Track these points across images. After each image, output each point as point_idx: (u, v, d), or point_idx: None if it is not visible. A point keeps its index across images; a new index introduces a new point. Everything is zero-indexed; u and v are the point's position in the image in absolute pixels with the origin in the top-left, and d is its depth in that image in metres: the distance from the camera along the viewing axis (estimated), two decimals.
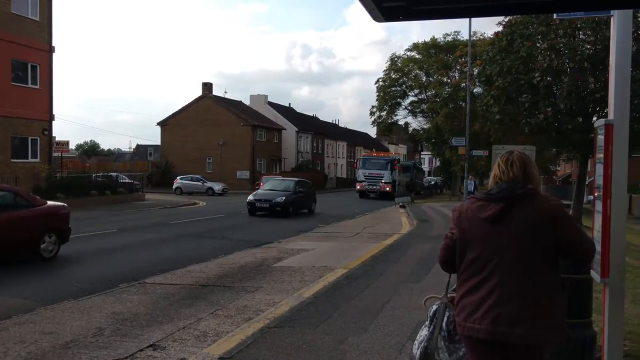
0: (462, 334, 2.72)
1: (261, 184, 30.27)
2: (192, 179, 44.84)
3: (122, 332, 6.09)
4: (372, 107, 53.72)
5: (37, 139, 26.31)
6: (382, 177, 41.64)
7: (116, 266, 10.54)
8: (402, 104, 53.65)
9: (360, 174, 42.96)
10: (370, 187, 41.58)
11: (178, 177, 45.34)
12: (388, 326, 6.22)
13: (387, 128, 56.73)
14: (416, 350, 3.02)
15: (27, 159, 25.81)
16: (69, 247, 12.79)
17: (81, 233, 15.39)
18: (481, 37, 42.37)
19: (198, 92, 57.41)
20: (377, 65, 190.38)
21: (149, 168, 46.79)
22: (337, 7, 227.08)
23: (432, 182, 61.99)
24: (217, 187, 43.44)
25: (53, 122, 27.30)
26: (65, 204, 12.42)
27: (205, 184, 43.87)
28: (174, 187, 43.60)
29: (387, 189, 40.60)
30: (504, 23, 20.69)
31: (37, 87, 26.41)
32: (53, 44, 27.11)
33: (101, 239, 14.66)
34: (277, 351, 5.34)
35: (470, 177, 33.08)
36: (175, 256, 11.80)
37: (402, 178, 42.98)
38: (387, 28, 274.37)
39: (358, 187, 42.91)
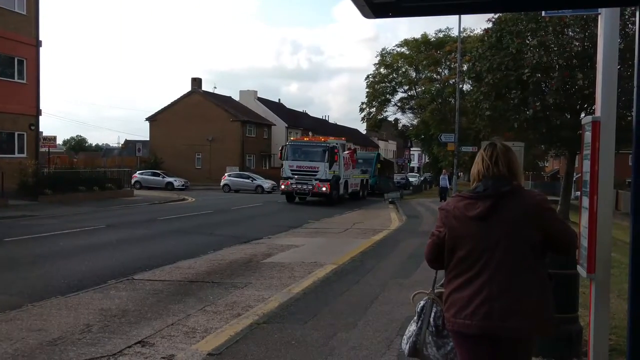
0: (451, 330, 2.73)
1: None
2: (241, 176, 42.83)
3: (110, 328, 6.06)
4: (362, 103, 53.89)
5: (23, 134, 26.06)
6: (317, 171, 28.39)
7: (104, 262, 10.47)
8: (392, 100, 53.95)
9: (287, 167, 29.24)
10: (300, 186, 28.44)
11: (226, 174, 43.31)
12: (377, 322, 6.25)
13: (377, 124, 56.80)
14: (405, 346, 3.04)
15: (14, 154, 25.55)
16: (56, 243, 12.73)
17: (69, 229, 15.33)
18: (471, 33, 42.69)
19: (187, 88, 57.29)
20: (366, 62, 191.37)
21: (138, 164, 46.30)
22: (326, 4, 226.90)
23: (414, 180, 54.87)
24: (267, 185, 41.24)
25: (40, 117, 27.06)
26: None
27: (254, 181, 41.63)
28: (221, 184, 41.59)
29: (324, 189, 28.11)
30: (493, 20, 20.82)
31: (24, 81, 26.14)
32: (40, 38, 26.85)
33: (89, 234, 14.55)
34: (266, 347, 5.35)
35: (444, 171, 33.14)
36: (164, 252, 11.74)
37: (351, 173, 32.07)
38: (376, 25, 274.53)
39: (283, 186, 29.38)
